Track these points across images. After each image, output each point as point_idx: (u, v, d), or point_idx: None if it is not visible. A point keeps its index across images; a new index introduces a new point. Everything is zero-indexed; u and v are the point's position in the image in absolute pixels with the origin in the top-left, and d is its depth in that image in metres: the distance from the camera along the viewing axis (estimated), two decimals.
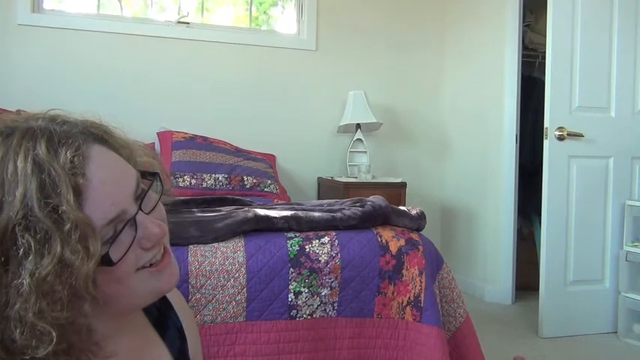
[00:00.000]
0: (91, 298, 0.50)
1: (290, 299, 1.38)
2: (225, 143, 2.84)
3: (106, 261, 0.51)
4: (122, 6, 3.08)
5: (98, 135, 0.56)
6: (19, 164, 0.48)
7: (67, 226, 0.47)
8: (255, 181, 2.63)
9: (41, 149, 0.50)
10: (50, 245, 0.47)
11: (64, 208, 0.48)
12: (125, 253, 0.53)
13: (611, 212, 2.58)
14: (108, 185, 0.53)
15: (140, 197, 0.56)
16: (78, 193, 0.50)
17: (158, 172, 0.60)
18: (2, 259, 0.46)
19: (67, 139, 0.52)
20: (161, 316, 0.70)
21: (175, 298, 0.74)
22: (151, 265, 0.57)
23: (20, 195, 0.47)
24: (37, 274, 0.46)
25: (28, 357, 0.46)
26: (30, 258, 0.46)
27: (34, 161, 0.49)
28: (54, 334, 0.46)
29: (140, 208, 0.55)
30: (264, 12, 3.38)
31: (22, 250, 0.46)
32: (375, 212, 1.57)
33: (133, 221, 0.54)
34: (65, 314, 0.47)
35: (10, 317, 0.46)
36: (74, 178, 0.50)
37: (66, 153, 0.50)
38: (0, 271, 0.46)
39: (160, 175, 0.60)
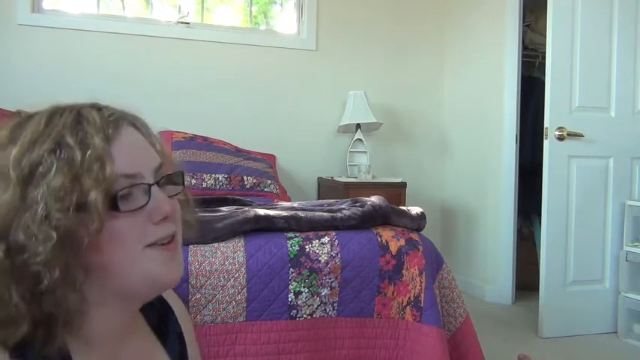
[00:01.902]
0: (96, 228, 0.52)
1: (290, 299, 1.38)
2: (225, 143, 2.84)
3: (113, 203, 0.54)
4: (124, 5, 3.08)
5: (136, 124, 0.62)
6: (64, 116, 0.56)
7: (90, 152, 0.53)
8: (255, 181, 2.63)
9: (85, 108, 0.58)
10: (72, 165, 0.52)
11: (91, 140, 0.54)
12: (133, 210, 0.55)
13: (611, 212, 2.58)
14: (133, 149, 0.58)
15: (160, 177, 0.60)
16: (106, 139, 0.56)
17: (183, 170, 0.65)
18: (27, 172, 0.52)
19: (110, 111, 0.60)
20: (161, 322, 0.71)
21: (173, 302, 0.75)
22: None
23: (57, 128, 0.55)
24: (53, 183, 0.51)
25: (26, 257, 0.50)
26: (52, 172, 0.52)
27: (78, 112, 0.57)
28: (54, 237, 0.50)
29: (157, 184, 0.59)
30: (264, 13, 3.38)
31: (45, 167, 0.52)
32: (375, 212, 1.57)
33: (147, 189, 0.57)
34: (69, 222, 0.51)
35: (23, 220, 0.51)
36: (107, 129, 0.56)
37: (106, 116, 0.58)
38: (27, 179, 0.52)
39: (184, 174, 0.64)
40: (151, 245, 0.58)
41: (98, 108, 0.59)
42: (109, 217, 0.53)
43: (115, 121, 0.58)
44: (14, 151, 0.53)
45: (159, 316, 0.70)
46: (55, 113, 0.56)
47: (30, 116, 0.57)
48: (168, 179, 0.61)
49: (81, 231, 0.52)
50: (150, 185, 0.58)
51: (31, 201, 0.51)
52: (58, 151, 0.53)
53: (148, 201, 0.57)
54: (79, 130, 0.55)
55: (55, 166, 0.52)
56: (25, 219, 0.51)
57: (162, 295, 0.71)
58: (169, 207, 0.58)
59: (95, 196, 0.52)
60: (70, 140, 0.54)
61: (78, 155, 0.53)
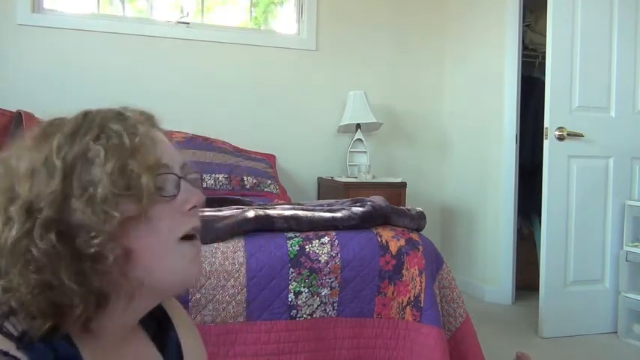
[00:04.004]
0: (145, 209, 0.54)
1: (290, 299, 1.38)
2: (225, 143, 2.84)
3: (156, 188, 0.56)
4: (124, 6, 3.08)
5: (159, 126, 0.66)
6: (102, 111, 0.60)
7: (138, 139, 0.56)
8: (255, 181, 2.63)
9: (119, 107, 0.62)
10: (122, 149, 0.55)
11: (137, 129, 0.58)
12: (168, 197, 0.58)
13: (611, 212, 2.58)
14: (163, 144, 0.62)
15: (185, 174, 0.63)
16: (151, 127, 0.61)
17: (201, 174, 0.67)
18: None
19: (140, 110, 0.64)
20: (160, 332, 0.70)
21: (174, 311, 0.74)
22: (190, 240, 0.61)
23: (98, 119, 0.58)
24: (107, 167, 0.54)
25: (88, 237, 0.51)
26: (102, 157, 0.54)
27: (115, 109, 0.60)
28: (117, 216, 0.52)
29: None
30: (264, 11, 3.38)
31: (94, 152, 0.55)
32: (375, 212, 1.57)
33: (178, 181, 0.60)
34: (124, 202, 0.53)
35: (78, 203, 0.52)
36: (145, 122, 0.61)
37: (139, 113, 0.62)
38: (73, 166, 0.54)
39: (202, 178, 0.67)
40: (183, 239, 0.59)
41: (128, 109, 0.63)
42: (145, 222, 0.55)
43: (149, 117, 0.63)
44: (55, 142, 0.54)
45: (158, 326, 0.70)
46: (89, 111, 0.59)
47: (60, 117, 0.59)
48: (192, 180, 0.64)
49: (132, 211, 0.54)
50: (180, 178, 0.60)
51: (86, 184, 0.53)
52: (104, 139, 0.55)
53: (179, 192, 0.59)
54: (122, 119, 0.58)
55: (103, 152, 0.54)
56: (82, 202, 0.52)
57: (162, 304, 0.70)
58: (198, 196, 0.61)
59: (147, 180, 0.54)
60: (115, 127, 0.56)
61: (127, 140, 0.55)
